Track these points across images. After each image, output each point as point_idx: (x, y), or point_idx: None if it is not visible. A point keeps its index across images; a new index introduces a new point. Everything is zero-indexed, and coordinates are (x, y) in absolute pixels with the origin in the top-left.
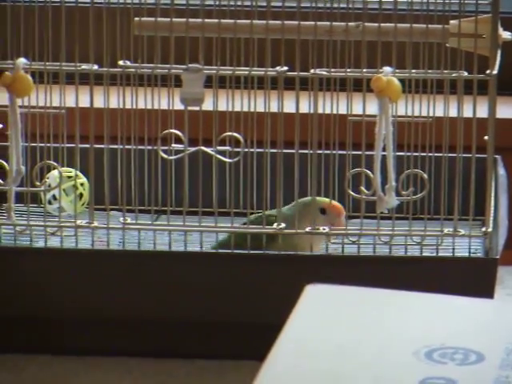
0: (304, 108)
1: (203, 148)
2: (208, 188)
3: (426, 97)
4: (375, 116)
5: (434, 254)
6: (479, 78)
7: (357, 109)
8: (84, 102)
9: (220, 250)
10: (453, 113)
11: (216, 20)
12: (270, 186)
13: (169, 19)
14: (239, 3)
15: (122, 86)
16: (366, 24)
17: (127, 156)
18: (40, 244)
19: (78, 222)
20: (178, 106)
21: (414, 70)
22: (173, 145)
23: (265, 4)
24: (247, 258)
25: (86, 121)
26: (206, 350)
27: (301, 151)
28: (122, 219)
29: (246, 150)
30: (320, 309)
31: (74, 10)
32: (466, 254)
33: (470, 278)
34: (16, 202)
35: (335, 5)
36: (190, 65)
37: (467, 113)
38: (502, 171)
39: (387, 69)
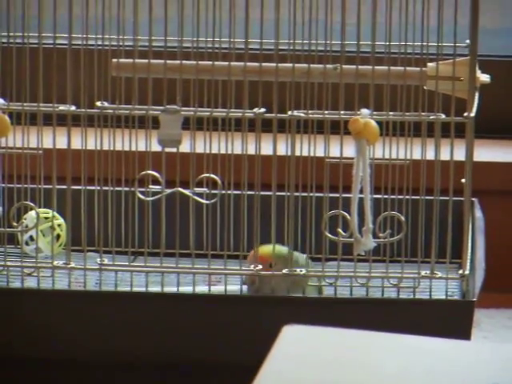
0: (281, 150)
1: (180, 189)
2: (185, 229)
3: (404, 139)
4: (353, 158)
5: (411, 297)
6: (457, 121)
7: (334, 151)
8: (61, 143)
9: (197, 292)
10: (430, 155)
11: (194, 62)
12: (247, 227)
13: (147, 61)
14: (217, 45)
15: (99, 127)
16: (344, 66)
17: (104, 197)
18: (17, 284)
19: (55, 262)
20: (156, 147)
21: (391, 113)
22: (150, 186)
23: (242, 46)
24: (224, 300)
25: (63, 162)
26: None
27: (278, 193)
28: (98, 260)
29: (224, 191)
30: (297, 349)
31: (51, 50)
32: (443, 297)
33: (446, 321)
34: None
35: (313, 47)
36: (168, 106)
37: (444, 155)
38: (478, 214)
39: (365, 111)
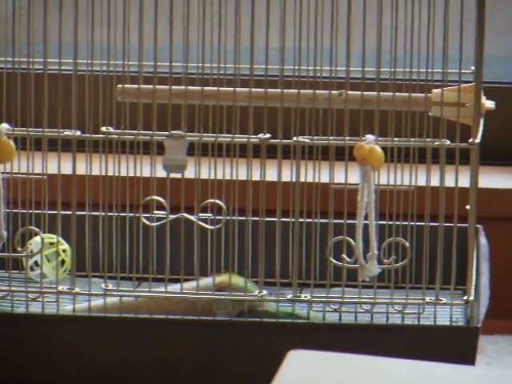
0: (286, 176)
1: (185, 215)
2: (190, 255)
3: (409, 165)
4: (357, 184)
5: (416, 323)
6: (462, 147)
7: (339, 177)
8: (66, 169)
9: (202, 317)
10: (435, 182)
11: (199, 87)
12: (252, 253)
13: (152, 86)
14: (222, 71)
15: (104, 153)
16: (349, 92)
17: (109, 223)
18: (21, 309)
19: (60, 288)
20: (161, 172)
21: (396, 139)
22: (155, 211)
23: (248, 72)
24: (229, 325)
25: (68, 187)
26: None
27: (283, 219)
28: (103, 285)
29: (228, 217)
30: (302, 374)
31: (56, 76)
32: (448, 323)
33: (451, 347)
34: None
35: (318, 73)
36: (173, 132)
37: (449, 182)
38: (483, 240)
39: (370, 137)
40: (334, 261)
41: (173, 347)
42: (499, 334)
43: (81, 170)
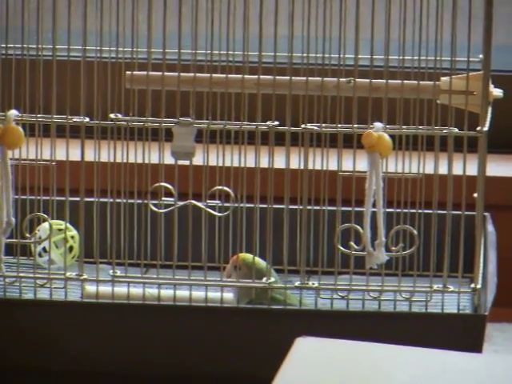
0: (294, 163)
1: (193, 202)
2: (198, 242)
3: (417, 153)
4: (365, 172)
5: (423, 310)
6: (469, 135)
7: (347, 165)
8: (74, 155)
9: (210, 304)
10: (443, 170)
11: (207, 74)
12: (260, 240)
13: (160, 73)
14: (230, 58)
15: (112, 140)
16: (357, 80)
17: (117, 209)
18: (29, 296)
19: (68, 274)
20: (169, 159)
21: (404, 126)
22: (163, 198)
23: (256, 59)
24: (238, 312)
25: (76, 174)
26: None
27: (291, 206)
28: (111, 272)
29: (236, 204)
30: (310, 361)
31: (65, 62)
32: (455, 311)
33: (458, 334)
34: (6, 253)
35: (326, 61)
36: (181, 119)
37: (457, 170)
38: (491, 228)
39: (378, 124)
40: (341, 248)
41: (180, 334)
42: (506, 321)
43: (89, 156)
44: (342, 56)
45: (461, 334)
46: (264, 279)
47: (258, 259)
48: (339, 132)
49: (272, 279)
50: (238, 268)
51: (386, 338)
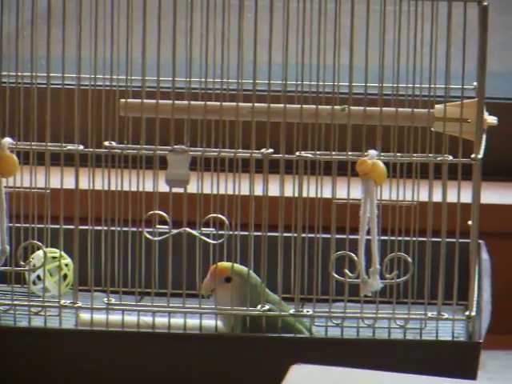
0: (289, 191)
1: (188, 229)
2: (192, 269)
3: (411, 181)
4: (360, 199)
5: (418, 338)
6: (464, 163)
7: (341, 193)
8: (69, 183)
9: (204, 332)
10: (437, 197)
11: (202, 102)
12: (254, 268)
13: (154, 101)
14: (225, 86)
15: (107, 167)
16: (352, 107)
17: (111, 237)
18: (24, 324)
19: (62, 302)
20: (163, 187)
21: (398, 154)
22: (157, 226)
23: (250, 87)
24: (232, 340)
25: (70, 201)
26: None
27: (285, 234)
28: (105, 300)
29: (231, 232)
30: None
31: (59, 90)
32: (450, 338)
33: (453, 362)
34: (0, 281)
35: (321, 89)
36: (176, 146)
37: (451, 197)
38: (485, 256)
39: (372, 152)
40: (336, 276)
41: (174, 361)
42: (500, 349)
43: (83, 184)
44: (336, 84)
45: (455, 361)
46: (259, 306)
47: (251, 272)
48: (333, 159)
49: (266, 307)
50: (231, 278)
51: (380, 366)
